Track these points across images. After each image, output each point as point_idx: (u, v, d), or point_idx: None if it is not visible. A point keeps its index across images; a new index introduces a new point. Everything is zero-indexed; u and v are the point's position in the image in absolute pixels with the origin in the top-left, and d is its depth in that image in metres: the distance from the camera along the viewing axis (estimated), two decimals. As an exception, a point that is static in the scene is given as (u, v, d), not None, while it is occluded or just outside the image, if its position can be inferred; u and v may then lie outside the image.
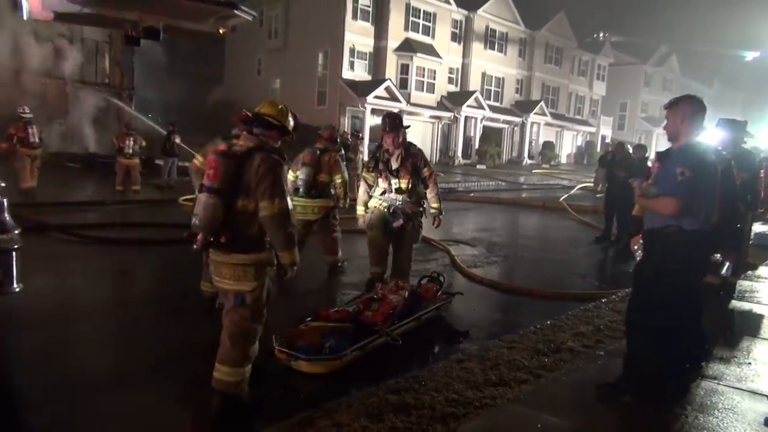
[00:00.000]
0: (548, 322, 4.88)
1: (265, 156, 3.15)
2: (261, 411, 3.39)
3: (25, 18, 4.72)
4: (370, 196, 5.62)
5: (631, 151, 10.36)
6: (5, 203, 4.12)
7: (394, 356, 4.16)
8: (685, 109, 3.29)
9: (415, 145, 5.57)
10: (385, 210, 5.45)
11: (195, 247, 3.21)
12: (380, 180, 5.48)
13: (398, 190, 5.42)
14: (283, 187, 3.15)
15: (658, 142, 46.93)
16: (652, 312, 3.28)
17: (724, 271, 4.44)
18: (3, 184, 4.28)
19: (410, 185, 5.42)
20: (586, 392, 3.49)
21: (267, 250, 3.26)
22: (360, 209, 5.73)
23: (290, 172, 6.21)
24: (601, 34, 45.41)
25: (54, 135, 18.82)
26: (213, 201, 3.10)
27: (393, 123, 5.33)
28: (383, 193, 5.50)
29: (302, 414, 3.12)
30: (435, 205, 5.63)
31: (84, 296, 5.51)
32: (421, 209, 5.62)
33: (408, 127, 5.49)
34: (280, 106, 3.44)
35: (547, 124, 38.65)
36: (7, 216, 4.08)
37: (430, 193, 5.59)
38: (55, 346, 4.20)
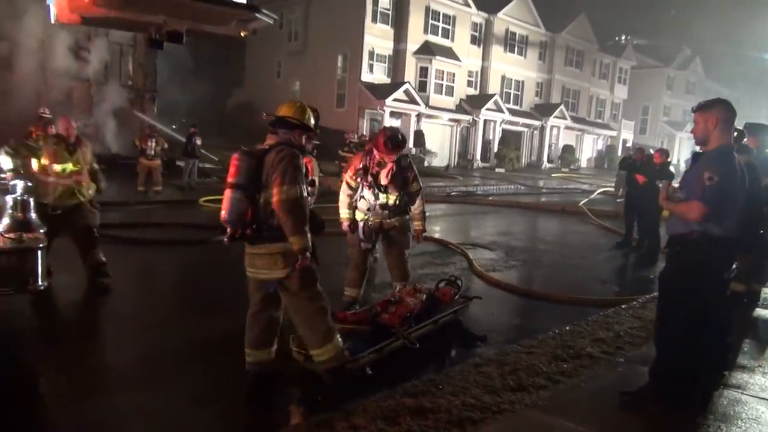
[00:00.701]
0: (567, 328, 4.82)
1: (281, 148, 3.33)
2: (277, 412, 3.41)
3: (52, 22, 4.83)
4: (355, 206, 5.23)
5: (653, 155, 10.19)
6: (31, 202, 4.21)
7: (411, 359, 4.15)
8: (715, 113, 3.21)
9: (406, 157, 5.19)
10: (362, 232, 5.15)
11: (225, 240, 3.40)
12: (365, 190, 5.11)
13: (384, 206, 5.10)
14: (294, 175, 3.28)
15: (681, 146, 46.25)
16: (677, 319, 3.23)
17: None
18: (29, 184, 4.37)
19: (397, 201, 5.11)
20: (606, 399, 3.45)
21: None
22: (344, 213, 5.27)
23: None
24: (623, 37, 44.92)
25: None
26: (236, 195, 3.32)
27: (398, 143, 4.90)
28: (368, 209, 5.16)
29: (319, 416, 3.13)
30: (418, 223, 5.30)
31: (108, 294, 5.60)
32: (407, 219, 5.27)
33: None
34: (297, 105, 3.57)
35: (567, 127, 38.29)
36: (32, 215, 4.16)
37: (415, 210, 5.26)
38: (81, 342, 4.27)
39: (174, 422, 3.35)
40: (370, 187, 5.08)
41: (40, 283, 4.00)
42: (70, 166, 5.45)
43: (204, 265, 7.34)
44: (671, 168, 9.56)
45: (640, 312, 5.38)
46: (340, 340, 3.63)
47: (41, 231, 4.18)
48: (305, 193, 3.38)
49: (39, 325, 4.59)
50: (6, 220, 4.09)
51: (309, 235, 3.38)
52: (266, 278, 3.46)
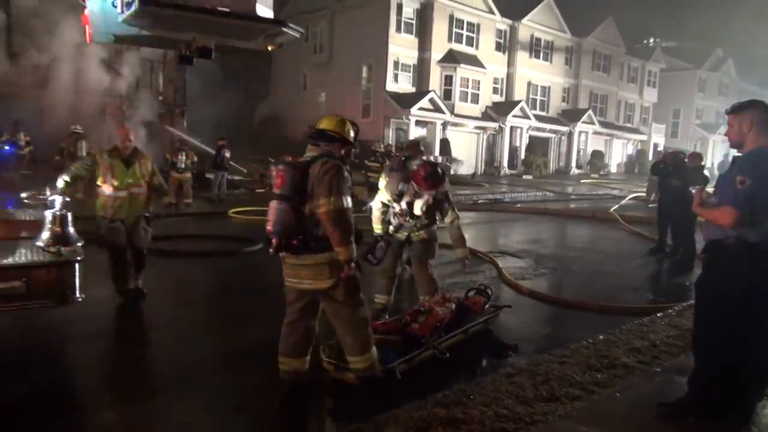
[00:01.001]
0: (601, 337, 4.73)
1: (325, 161, 3.41)
2: (309, 423, 3.43)
3: (88, 41, 5.01)
4: (388, 221, 5.40)
5: (686, 159, 9.96)
6: (69, 217, 4.33)
7: (442, 369, 4.13)
8: (751, 115, 3.13)
9: (442, 188, 5.23)
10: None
11: (271, 250, 3.49)
12: (397, 211, 5.28)
13: (414, 225, 5.32)
14: (340, 187, 3.36)
15: (715, 150, 45.11)
16: (715, 328, 3.14)
17: None
18: (68, 199, 4.50)
19: (427, 221, 5.29)
20: (643, 410, 3.37)
21: None
22: (378, 228, 5.42)
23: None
24: (652, 40, 44.21)
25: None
26: (282, 207, 3.40)
27: (438, 180, 5.06)
28: (399, 226, 5.34)
29: (350, 426, 3.13)
30: (460, 251, 5.33)
31: (142, 304, 5.72)
32: (433, 230, 5.41)
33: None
34: (338, 119, 3.67)
35: (596, 132, 37.74)
36: (71, 229, 4.28)
37: (453, 238, 5.33)
38: (116, 353, 4.37)
39: (209, 430, 3.39)
40: (402, 215, 5.25)
41: (78, 295, 4.09)
42: (127, 180, 5.42)
43: (234, 275, 7.44)
44: (705, 172, 9.33)
45: (677, 320, 5.25)
46: (375, 351, 3.70)
47: (79, 245, 4.29)
48: (350, 204, 3.46)
49: (76, 335, 4.71)
50: (45, 234, 4.22)
51: (354, 246, 3.45)
52: (310, 288, 3.53)
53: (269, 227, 3.46)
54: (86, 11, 4.77)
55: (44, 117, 16.58)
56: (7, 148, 15.01)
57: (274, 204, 3.46)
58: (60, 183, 5.25)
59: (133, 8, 3.59)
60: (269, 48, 5.10)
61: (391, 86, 28.86)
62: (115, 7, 3.91)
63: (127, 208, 5.51)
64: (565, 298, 6.54)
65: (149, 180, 5.67)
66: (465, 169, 29.58)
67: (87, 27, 4.82)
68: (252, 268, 7.76)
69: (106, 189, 5.42)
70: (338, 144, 3.59)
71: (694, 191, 3.40)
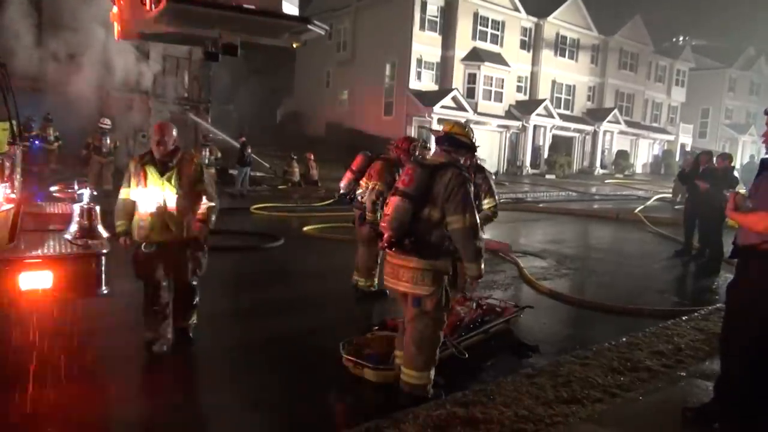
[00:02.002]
0: (623, 339, 4.67)
1: (456, 172, 3.40)
2: (327, 419, 3.44)
3: (117, 39, 5.08)
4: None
5: (714, 160, 9.73)
6: (97, 210, 4.42)
7: (462, 369, 4.11)
8: None
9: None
10: None
11: (380, 245, 3.55)
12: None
13: None
14: (472, 203, 3.40)
15: (744, 151, 44.04)
16: (745, 333, 3.06)
17: None
18: (95, 193, 4.59)
19: None
20: (667, 415, 3.31)
21: (444, 258, 3.47)
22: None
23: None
24: (681, 38, 43.32)
25: (138, 146, 20.11)
26: (404, 204, 3.41)
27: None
28: None
29: (369, 423, 3.14)
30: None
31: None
32: None
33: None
34: (464, 125, 3.75)
35: (621, 132, 37.13)
36: (98, 222, 4.36)
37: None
38: (143, 345, 4.44)
39: (228, 424, 3.43)
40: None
41: (103, 287, 4.17)
42: (163, 191, 4.18)
43: (256, 270, 7.50)
44: (735, 173, 9.12)
45: (703, 324, 5.15)
46: (433, 374, 3.63)
47: (105, 237, 4.37)
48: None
49: (99, 327, 4.80)
50: (73, 227, 4.31)
51: (483, 262, 3.47)
52: (409, 291, 3.51)
53: (384, 223, 3.48)
54: (114, 9, 4.85)
55: (73, 111, 16.95)
56: (36, 142, 15.38)
57: (396, 200, 3.45)
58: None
59: (161, 6, 3.65)
60: (294, 45, 5.11)
61: (414, 84, 28.79)
62: (144, 4, 3.97)
63: (159, 228, 4.21)
64: (588, 300, 6.45)
65: (196, 189, 4.31)
66: (487, 167, 29.26)
67: (115, 24, 4.90)
68: (274, 263, 7.83)
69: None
70: (465, 151, 3.64)
71: (727, 194, 3.31)
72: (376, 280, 6.04)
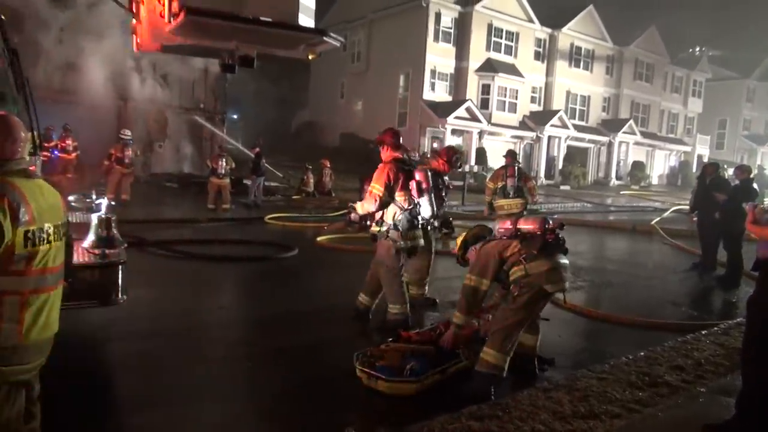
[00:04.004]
0: (642, 354, 4.59)
1: None
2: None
3: (136, 51, 5.16)
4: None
5: (731, 172, 9.55)
6: (114, 220, 4.47)
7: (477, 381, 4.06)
8: None
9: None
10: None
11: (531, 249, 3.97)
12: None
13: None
14: None
15: (764, 162, 43.43)
16: (766, 348, 3.00)
17: None
18: (113, 203, 4.65)
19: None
20: (687, 431, 3.24)
21: None
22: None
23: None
24: (698, 49, 43.01)
25: (155, 157, 20.39)
26: None
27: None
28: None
29: (383, 435, 3.11)
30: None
31: (181, 307, 5.84)
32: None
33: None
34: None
35: (637, 143, 36.89)
36: (115, 232, 4.41)
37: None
38: (159, 354, 4.46)
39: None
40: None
41: (120, 296, 4.21)
42: None
43: (270, 280, 7.52)
44: (755, 185, 8.96)
45: (723, 339, 5.06)
46: (508, 363, 3.93)
47: (123, 247, 4.42)
48: None
49: (115, 336, 4.84)
50: (91, 237, 4.36)
51: None
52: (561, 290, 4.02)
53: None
54: (134, 21, 4.93)
55: (91, 122, 17.27)
56: (55, 152, 15.66)
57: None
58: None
59: (180, 19, 3.70)
60: (309, 57, 5.14)
61: (427, 95, 28.89)
62: (163, 17, 4.03)
63: None
64: (604, 313, 6.37)
65: None
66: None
67: (135, 37, 4.97)
68: (288, 273, 7.85)
69: None
70: None
71: (746, 207, 3.27)
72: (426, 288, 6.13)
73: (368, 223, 5.29)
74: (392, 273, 5.18)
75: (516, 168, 8.74)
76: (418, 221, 5.27)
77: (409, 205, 5.17)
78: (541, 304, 4.09)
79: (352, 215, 5.29)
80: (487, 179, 9.81)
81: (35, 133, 4.34)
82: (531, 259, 3.91)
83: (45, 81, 15.18)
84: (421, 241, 5.39)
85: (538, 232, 4.01)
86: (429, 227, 5.60)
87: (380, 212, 5.16)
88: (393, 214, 5.13)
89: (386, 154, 5.23)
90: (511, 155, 9.06)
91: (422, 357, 4.08)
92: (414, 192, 5.21)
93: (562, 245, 4.06)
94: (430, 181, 5.65)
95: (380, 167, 5.14)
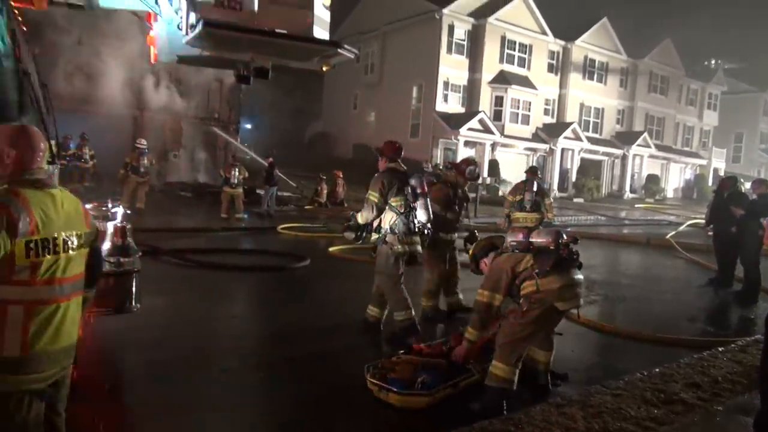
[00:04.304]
0: (657, 370, 4.52)
1: None
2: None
3: (153, 62, 5.25)
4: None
5: (748, 185, 9.43)
6: (129, 229, 4.51)
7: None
8: None
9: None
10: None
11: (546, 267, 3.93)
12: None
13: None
14: None
15: (782, 176, 42.91)
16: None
17: None
18: (129, 212, 4.69)
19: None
20: (703, 451, 3.19)
21: None
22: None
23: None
24: (713, 61, 42.76)
25: (169, 166, 20.60)
26: None
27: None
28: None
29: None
30: None
31: (193, 316, 5.86)
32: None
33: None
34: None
35: (652, 156, 36.59)
36: (130, 240, 4.45)
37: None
38: (170, 363, 4.48)
39: None
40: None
41: (134, 304, 4.25)
42: None
43: (283, 290, 7.54)
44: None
45: (741, 356, 4.97)
46: (517, 376, 3.94)
47: (138, 256, 4.46)
48: None
49: (127, 343, 4.87)
50: (106, 245, 4.40)
51: None
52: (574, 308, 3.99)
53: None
54: (151, 33, 5.01)
55: (108, 131, 17.50)
56: (72, 161, 15.88)
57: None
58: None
59: (197, 30, 3.76)
60: (324, 68, 5.20)
61: (440, 106, 28.95)
62: (180, 29, 4.10)
63: None
64: (618, 327, 6.29)
65: None
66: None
67: (152, 48, 5.05)
68: (300, 283, 7.86)
69: None
70: None
71: (765, 222, 3.24)
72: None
73: (366, 234, 5.39)
74: (392, 281, 5.26)
75: (536, 183, 8.85)
76: (414, 226, 5.32)
77: (405, 209, 5.26)
78: (553, 320, 4.05)
79: (352, 223, 5.39)
80: (507, 192, 9.91)
81: (52, 142, 4.41)
82: (543, 274, 3.84)
83: (64, 90, 15.41)
84: (419, 248, 5.42)
85: (551, 247, 3.94)
86: (426, 233, 5.57)
87: (378, 219, 5.27)
88: (389, 218, 5.25)
89: (382, 164, 5.42)
90: (532, 171, 9.22)
91: (434, 370, 4.06)
92: (410, 197, 5.31)
93: (575, 260, 4.00)
94: (425, 187, 5.68)
95: (375, 177, 5.33)
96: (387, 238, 5.23)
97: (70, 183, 14.12)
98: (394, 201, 5.22)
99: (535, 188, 8.82)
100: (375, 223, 5.31)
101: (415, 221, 5.34)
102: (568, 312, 4.19)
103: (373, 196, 5.18)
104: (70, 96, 16.29)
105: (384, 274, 5.29)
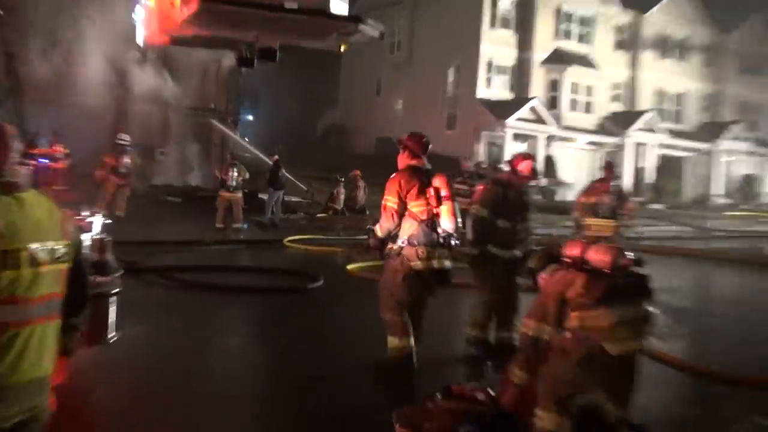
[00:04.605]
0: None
1: None
2: None
3: (141, 44, 5.30)
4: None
5: None
6: (110, 243, 4.54)
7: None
8: None
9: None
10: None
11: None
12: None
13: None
14: None
15: None
16: None
17: None
18: (109, 221, 4.73)
19: None
20: None
21: None
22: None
23: None
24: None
25: (155, 166, 20.85)
26: None
27: None
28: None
29: None
30: None
31: (179, 348, 5.88)
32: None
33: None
34: None
35: (747, 152, 35.88)
36: (110, 257, 4.49)
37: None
38: (148, 402, 4.49)
39: None
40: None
41: (111, 334, 4.25)
42: None
43: (294, 318, 7.53)
44: None
45: None
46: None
47: (116, 275, 4.49)
48: None
49: (106, 380, 4.89)
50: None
51: None
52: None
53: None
54: (140, 11, 5.07)
55: (86, 124, 17.79)
56: (42, 161, 16.11)
57: None
58: None
59: (193, 7, 3.78)
60: (341, 48, 5.20)
61: (483, 92, 28.91)
62: (174, 6, 4.13)
63: None
64: (714, 369, 6.11)
65: None
66: (575, 194, 28.88)
67: (141, 28, 5.12)
68: (312, 309, 7.85)
69: None
70: None
71: None
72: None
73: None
74: (393, 300, 5.14)
75: (614, 183, 8.68)
76: (438, 236, 5.15)
77: (427, 216, 5.11)
78: (610, 365, 3.65)
79: (371, 241, 5.33)
80: (580, 194, 9.75)
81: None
82: (590, 306, 3.62)
83: (33, 74, 15.72)
84: (447, 263, 5.27)
85: (606, 270, 3.68)
86: (452, 243, 5.42)
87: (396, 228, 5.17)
88: (408, 227, 5.11)
89: (403, 160, 5.30)
90: (609, 167, 9.01)
91: (475, 419, 3.98)
92: (432, 201, 5.15)
93: (640, 288, 3.83)
94: (453, 189, 5.53)
95: (392, 177, 5.22)
96: (404, 251, 5.07)
97: (41, 186, 14.37)
98: (414, 206, 5.09)
99: (612, 188, 8.64)
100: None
101: (438, 230, 5.18)
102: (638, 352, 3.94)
103: (391, 201, 5.09)
104: (41, 81, 16.60)
105: (386, 290, 5.20)
